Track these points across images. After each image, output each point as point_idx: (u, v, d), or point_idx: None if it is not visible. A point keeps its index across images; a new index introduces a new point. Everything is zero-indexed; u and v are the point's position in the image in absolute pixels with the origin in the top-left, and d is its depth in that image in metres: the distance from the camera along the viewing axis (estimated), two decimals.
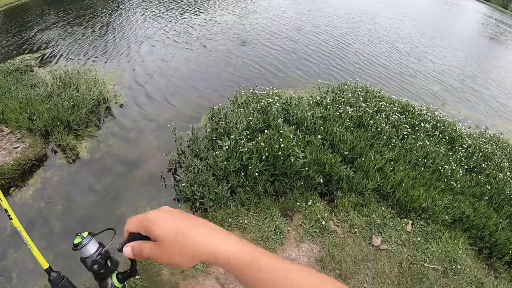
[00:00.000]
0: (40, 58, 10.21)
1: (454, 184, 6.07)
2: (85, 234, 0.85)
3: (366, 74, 10.93)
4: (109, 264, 0.85)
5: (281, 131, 5.69)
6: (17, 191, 5.87)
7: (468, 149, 7.16)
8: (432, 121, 7.54)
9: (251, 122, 5.88)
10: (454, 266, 4.91)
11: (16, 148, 6.30)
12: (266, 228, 4.77)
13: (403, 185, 5.63)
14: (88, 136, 6.95)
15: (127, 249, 0.70)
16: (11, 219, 0.87)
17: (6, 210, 0.86)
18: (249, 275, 0.62)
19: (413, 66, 12.93)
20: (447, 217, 5.45)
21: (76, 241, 0.84)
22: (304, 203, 5.14)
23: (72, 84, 7.82)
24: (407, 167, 6.14)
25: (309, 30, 14.65)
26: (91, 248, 0.84)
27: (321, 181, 5.26)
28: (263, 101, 6.54)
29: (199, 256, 0.64)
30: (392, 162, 6.07)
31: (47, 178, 6.09)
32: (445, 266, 4.94)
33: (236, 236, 0.68)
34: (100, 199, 5.74)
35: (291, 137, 5.67)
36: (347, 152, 5.84)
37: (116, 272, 0.86)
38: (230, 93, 8.33)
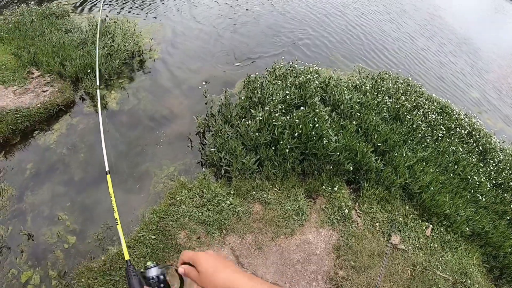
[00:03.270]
0: (77, 4, 9.88)
1: (480, 196, 5.85)
2: (154, 263, 1.19)
3: (409, 67, 10.36)
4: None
5: (317, 111, 5.41)
6: (41, 134, 5.78)
7: (499, 164, 6.87)
8: (468, 127, 7.18)
9: (287, 96, 5.59)
10: (464, 280, 4.79)
11: (44, 91, 6.20)
12: (289, 207, 4.62)
13: (431, 188, 5.42)
14: (119, 88, 6.79)
15: (181, 270, 1.02)
16: (117, 224, 1.13)
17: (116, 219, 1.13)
18: None
19: (457, 68, 12.29)
20: (467, 229, 5.28)
21: (147, 264, 1.17)
22: (329, 188, 4.95)
23: (108, 33, 7.66)
24: (437, 170, 5.90)
25: (366, 14, 13.82)
26: (156, 272, 1.16)
27: (351, 168, 5.05)
28: (302, 76, 6.20)
29: (222, 284, 0.91)
30: (423, 162, 5.82)
31: (72, 125, 5.98)
32: (456, 278, 4.81)
33: (258, 282, 0.91)
34: (124, 151, 5.63)
35: (326, 118, 5.40)
36: (380, 144, 5.58)
37: None
38: (269, 63, 7.99)
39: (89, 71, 6.48)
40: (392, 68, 9.19)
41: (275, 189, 4.74)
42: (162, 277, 1.15)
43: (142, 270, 1.15)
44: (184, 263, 1.03)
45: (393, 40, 12.17)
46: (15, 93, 6.09)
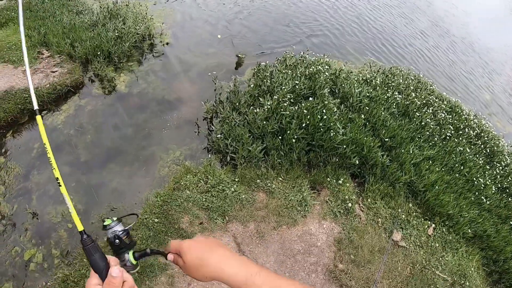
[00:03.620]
0: None
1: (484, 199, 5.81)
2: (114, 218, 1.03)
3: (419, 64, 10.16)
4: (127, 241, 0.99)
5: (326, 102, 5.34)
6: (49, 114, 5.76)
7: (506, 167, 6.79)
8: (477, 129, 7.09)
9: (296, 86, 5.52)
10: (463, 282, 4.78)
11: (54, 72, 6.18)
12: (293, 197, 4.60)
13: (436, 187, 5.38)
14: (128, 70, 6.74)
15: (170, 257, 0.98)
16: (59, 185, 0.97)
17: (57, 178, 0.98)
18: None
19: (468, 67, 12.08)
20: (469, 231, 5.25)
21: (106, 223, 1.01)
22: (334, 181, 4.92)
23: (119, 16, 7.58)
24: (443, 169, 5.84)
25: (378, 7, 13.50)
26: (117, 228, 1.00)
27: (357, 162, 5.00)
28: (312, 67, 6.11)
29: (210, 277, 0.90)
30: (429, 161, 5.76)
31: (81, 106, 5.96)
32: (455, 279, 4.81)
33: (242, 260, 0.91)
34: (131, 134, 5.61)
35: (335, 110, 5.33)
36: (387, 139, 5.52)
37: (133, 250, 1.00)
38: (280, 52, 7.87)
39: (99, 53, 6.43)
40: (403, 64, 9.03)
41: (280, 179, 4.71)
42: (126, 229, 1.01)
43: (103, 228, 1.01)
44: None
45: (404, 36, 11.93)
46: (25, 73, 6.07)
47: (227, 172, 4.72)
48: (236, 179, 4.62)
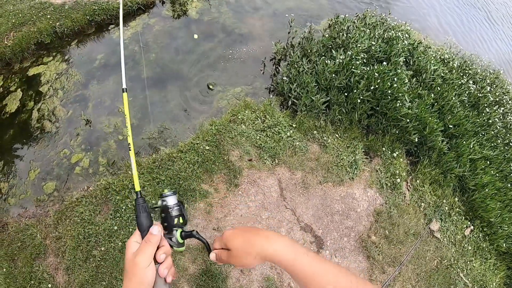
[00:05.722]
0: None
1: None
2: (171, 191, 1.00)
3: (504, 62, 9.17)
4: (181, 219, 0.98)
5: (398, 71, 4.98)
6: (116, 29, 5.74)
7: None
8: None
9: (372, 47, 5.15)
10: None
11: None
12: (345, 157, 4.45)
13: (486, 190, 5.07)
14: None
15: (212, 255, 0.96)
16: (130, 150, 1.00)
17: (128, 144, 1.00)
18: (295, 271, 0.83)
19: None
20: (504, 245, 5.00)
21: (164, 192, 1.00)
22: (389, 152, 4.71)
23: None
24: (497, 174, 5.48)
25: None
26: (171, 200, 0.99)
27: (416, 140, 4.74)
28: (392, 32, 5.67)
29: (258, 259, 0.86)
30: (487, 161, 5.41)
31: (149, 25, 5.88)
32: (476, 287, 4.63)
33: (289, 241, 0.87)
34: (195, 60, 5.50)
35: (406, 81, 4.98)
36: (451, 126, 5.18)
37: (181, 229, 0.98)
38: (360, 8, 7.38)
39: None
40: (485, 55, 8.14)
41: (336, 135, 4.54)
42: (181, 206, 1.00)
43: (159, 196, 1.00)
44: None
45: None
46: None
47: (285, 116, 4.57)
48: (294, 125, 4.49)
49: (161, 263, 0.85)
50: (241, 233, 0.91)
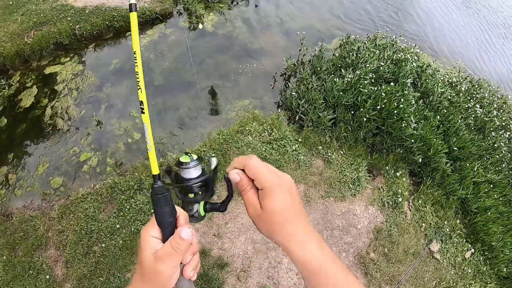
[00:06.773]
0: None
1: None
2: (194, 156, 0.78)
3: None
4: (203, 193, 0.79)
5: (405, 92, 5.07)
6: None
7: None
8: None
9: (380, 68, 5.26)
10: None
11: None
12: (348, 174, 4.51)
13: (488, 213, 5.08)
14: (218, 11, 6.75)
15: (235, 176, 0.71)
16: (143, 113, 0.72)
17: (141, 102, 0.73)
18: (317, 281, 0.67)
19: None
20: (505, 270, 4.97)
21: (183, 159, 0.77)
22: (392, 171, 4.76)
23: None
24: (501, 198, 5.49)
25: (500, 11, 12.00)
26: (194, 172, 0.77)
27: (420, 160, 4.79)
28: (401, 54, 5.78)
29: (276, 241, 0.69)
30: (490, 185, 5.43)
31: (165, 35, 6.07)
32: None
33: (321, 241, 0.70)
34: (207, 71, 5.66)
35: (412, 102, 5.07)
36: (456, 148, 5.22)
37: (205, 201, 0.81)
38: (372, 29, 7.55)
39: None
40: (493, 80, 8.16)
41: (341, 152, 4.61)
42: (205, 178, 0.78)
43: (177, 164, 0.78)
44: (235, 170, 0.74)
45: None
46: None
47: (292, 130, 4.67)
48: (299, 140, 4.58)
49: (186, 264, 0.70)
50: (287, 190, 0.70)
